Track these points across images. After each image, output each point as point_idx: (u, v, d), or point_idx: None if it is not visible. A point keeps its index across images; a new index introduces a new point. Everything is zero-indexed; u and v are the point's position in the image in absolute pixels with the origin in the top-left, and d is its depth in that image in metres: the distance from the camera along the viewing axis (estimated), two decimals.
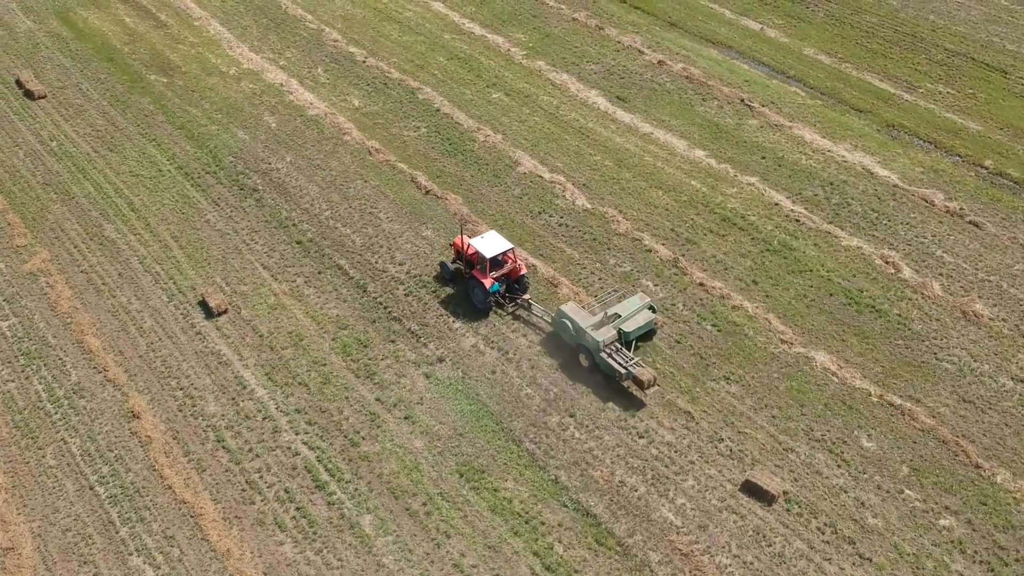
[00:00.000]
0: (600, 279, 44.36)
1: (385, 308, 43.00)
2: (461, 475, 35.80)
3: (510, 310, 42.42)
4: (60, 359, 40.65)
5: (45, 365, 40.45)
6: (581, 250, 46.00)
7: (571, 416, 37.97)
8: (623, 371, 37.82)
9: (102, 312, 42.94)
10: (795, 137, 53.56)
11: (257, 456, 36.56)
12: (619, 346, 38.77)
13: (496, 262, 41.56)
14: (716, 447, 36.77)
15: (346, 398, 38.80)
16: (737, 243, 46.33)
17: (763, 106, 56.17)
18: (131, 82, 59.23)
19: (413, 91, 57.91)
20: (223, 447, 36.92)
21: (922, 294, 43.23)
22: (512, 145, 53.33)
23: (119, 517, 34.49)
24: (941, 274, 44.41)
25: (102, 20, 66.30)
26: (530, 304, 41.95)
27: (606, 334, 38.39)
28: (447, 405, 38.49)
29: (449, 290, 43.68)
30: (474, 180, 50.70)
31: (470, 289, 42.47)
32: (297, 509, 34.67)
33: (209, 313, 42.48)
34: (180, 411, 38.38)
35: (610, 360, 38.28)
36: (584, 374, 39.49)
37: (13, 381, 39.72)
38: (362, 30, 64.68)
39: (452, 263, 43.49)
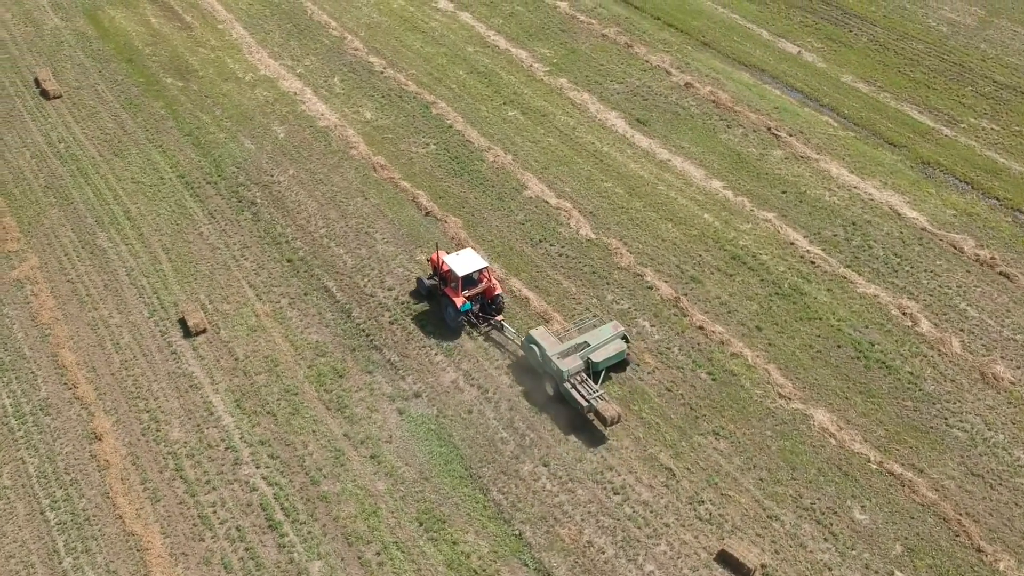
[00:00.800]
0: (595, 315, 42.10)
1: (367, 336, 41.37)
2: (420, 523, 33.97)
3: (483, 330, 40.94)
4: (32, 372, 39.81)
5: (16, 378, 39.64)
6: (579, 284, 43.83)
7: (545, 465, 35.89)
8: (585, 404, 36.04)
9: (81, 325, 42.04)
10: (821, 171, 50.64)
11: (214, 489, 35.18)
12: (585, 377, 37.01)
13: (469, 280, 40.18)
14: (695, 509, 34.37)
15: (313, 431, 37.24)
16: (745, 284, 43.72)
17: (790, 136, 53.31)
18: (146, 85, 58.59)
19: (427, 105, 56.25)
20: (181, 477, 35.61)
21: (939, 351, 40.19)
22: (521, 167, 51.34)
23: (64, 546, 33.38)
24: (962, 329, 41.29)
25: (128, 19, 65.91)
26: (502, 325, 40.54)
27: (572, 363, 36.76)
28: (417, 445, 36.69)
29: (435, 321, 41.86)
30: (477, 202, 48.83)
31: (442, 307, 41.18)
32: (246, 550, 33.17)
33: (187, 332, 41.28)
34: (143, 435, 37.21)
35: (573, 391, 36.51)
36: (565, 421, 37.35)
37: None
38: (385, 39, 63.24)
39: (428, 279, 42.09)
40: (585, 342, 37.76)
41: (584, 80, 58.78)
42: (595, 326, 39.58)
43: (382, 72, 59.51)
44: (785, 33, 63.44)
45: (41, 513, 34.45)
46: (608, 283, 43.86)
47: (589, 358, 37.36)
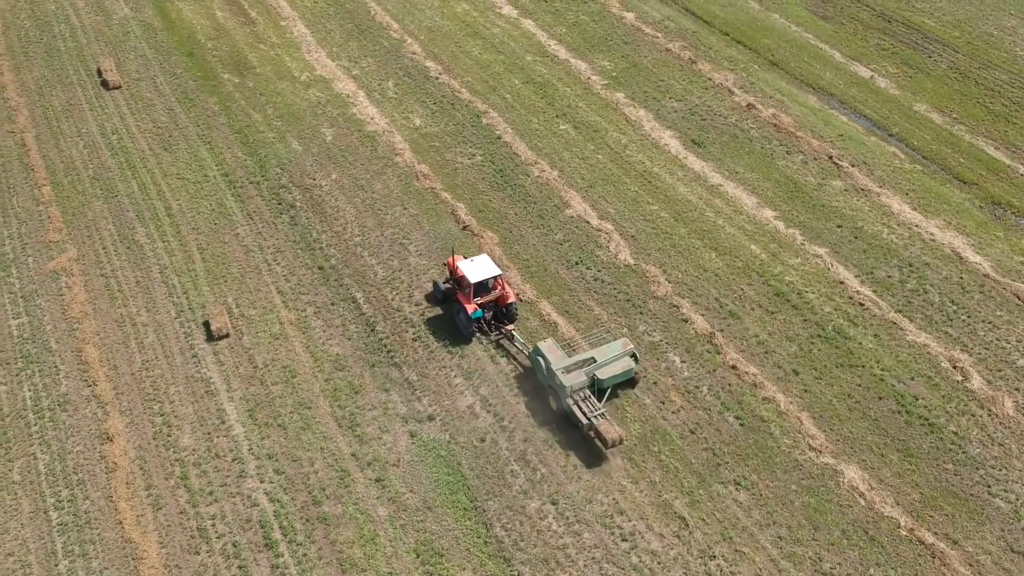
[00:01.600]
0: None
1: (388, 352, 40.53)
2: (418, 555, 32.95)
3: (493, 338, 40.46)
4: (55, 367, 40.01)
5: (40, 371, 39.88)
6: (611, 311, 42.26)
7: (553, 503, 34.52)
8: (585, 421, 35.25)
9: (109, 321, 42.14)
10: (881, 206, 48.00)
11: (216, 501, 34.72)
12: (589, 394, 36.26)
13: (482, 287, 39.71)
14: (706, 564, 32.60)
15: (321, 448, 36.53)
16: (786, 323, 41.57)
17: (853, 166, 50.71)
18: (204, 79, 58.83)
19: (478, 114, 55.20)
20: (185, 485, 35.26)
21: (989, 411, 37.53)
22: (566, 183, 49.91)
23: (63, 548, 33.29)
24: (1017, 389, 38.53)
25: (195, 12, 66.40)
26: (513, 335, 39.89)
27: (576, 379, 36.06)
28: (424, 471, 35.68)
29: (459, 341, 40.78)
30: (517, 219, 47.59)
31: (455, 313, 40.70)
32: (240, 567, 32.61)
33: (210, 336, 41.00)
34: (154, 439, 37.01)
35: (575, 407, 35.72)
36: (580, 457, 35.92)
37: (5, 385, 39.28)
38: (444, 44, 62.37)
39: (444, 283, 41.76)
40: (592, 358, 36.86)
41: (642, 96, 56.99)
42: (606, 342, 38.55)
43: (437, 78, 58.64)
44: (859, 56, 60.56)
45: (45, 512, 34.45)
46: (642, 312, 42.19)
47: (595, 375, 36.42)
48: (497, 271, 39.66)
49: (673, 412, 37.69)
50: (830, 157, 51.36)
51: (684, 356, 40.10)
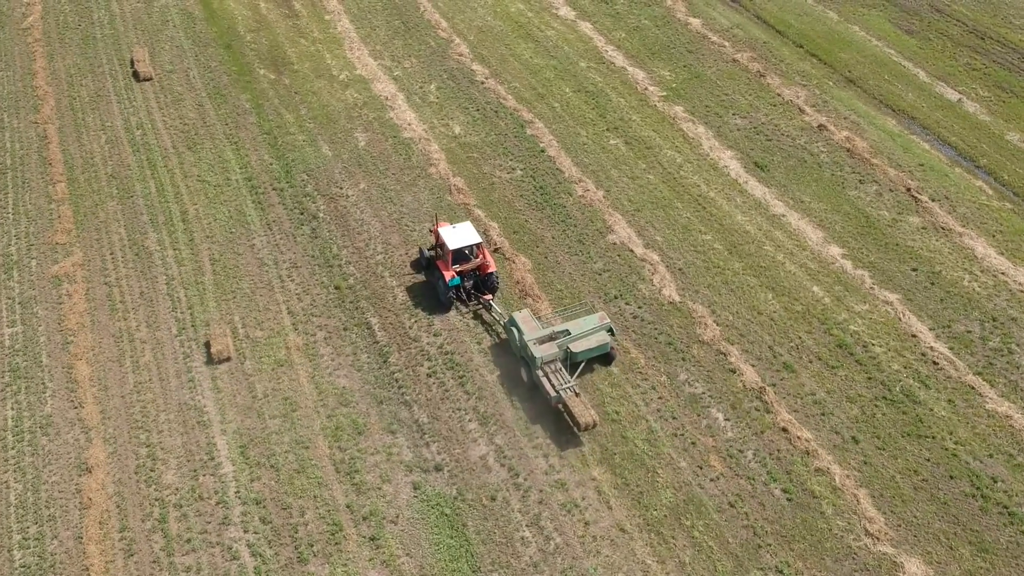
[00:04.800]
0: (660, 397, 36.21)
1: (399, 388, 36.80)
2: None
3: (471, 307, 39.85)
4: (43, 384, 37.15)
5: (26, 388, 37.06)
6: (649, 355, 37.91)
7: None
8: (553, 394, 34.20)
9: (106, 335, 39.17)
10: (963, 248, 42.74)
11: (193, 550, 31.36)
12: (560, 367, 35.14)
13: (461, 254, 39.10)
14: None
15: (315, 496, 32.93)
16: (847, 381, 36.77)
17: (933, 200, 45.45)
18: (238, 74, 55.80)
19: (523, 124, 51.14)
20: (162, 530, 31.97)
21: None
22: (611, 205, 45.60)
23: None
24: None
25: (237, 2, 63.58)
26: (491, 306, 39.22)
27: (547, 351, 35.03)
28: (424, 532, 31.85)
29: (478, 379, 36.90)
30: (554, 243, 43.45)
31: (434, 280, 40.10)
32: None
33: (209, 359, 37.73)
34: (136, 473, 33.82)
35: (544, 380, 34.69)
36: (602, 528, 31.73)
37: None
38: (493, 46, 58.40)
39: (429, 250, 41.07)
40: (566, 330, 35.82)
41: (702, 110, 52.30)
42: (583, 315, 37.53)
43: (483, 83, 54.71)
44: (946, 75, 54.96)
45: (9, 551, 31.45)
46: (684, 359, 37.77)
47: (568, 347, 35.28)
48: (478, 239, 38.95)
49: (712, 480, 33.25)
50: (908, 189, 46.15)
51: (729, 413, 35.58)
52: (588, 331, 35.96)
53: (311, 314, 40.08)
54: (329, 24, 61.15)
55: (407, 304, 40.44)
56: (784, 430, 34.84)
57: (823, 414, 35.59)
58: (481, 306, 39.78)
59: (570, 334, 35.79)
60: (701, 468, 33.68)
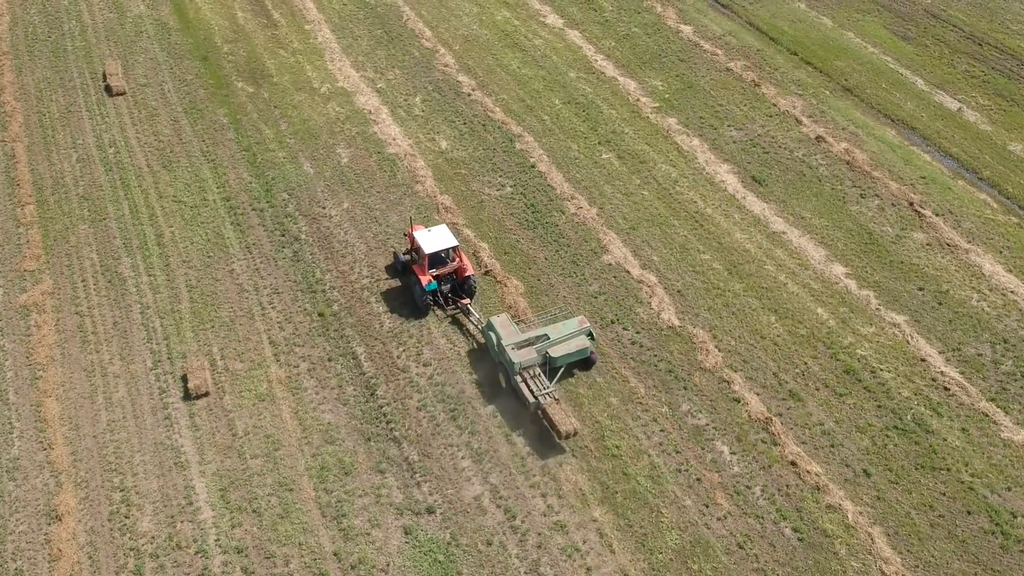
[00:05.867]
0: (662, 430, 34.53)
1: (388, 422, 34.96)
2: None
3: (449, 312, 38.91)
4: (10, 423, 35.08)
5: None
6: (649, 384, 36.23)
7: None
8: (532, 400, 33.36)
9: (77, 370, 37.12)
10: (970, 265, 41.29)
11: None
12: (539, 372, 34.37)
13: (437, 258, 38.11)
14: None
15: (300, 544, 31.04)
16: (856, 409, 35.21)
17: (937, 215, 44.01)
18: (215, 87, 53.74)
19: (512, 138, 49.35)
20: None
21: None
22: (606, 224, 43.90)
23: None
24: None
25: (214, 11, 61.42)
26: (469, 310, 38.32)
27: (525, 356, 34.27)
28: None
29: (471, 412, 35.12)
30: (547, 264, 41.70)
31: (411, 285, 39.16)
32: None
33: (187, 394, 35.74)
34: (110, 520, 31.82)
35: (523, 385, 33.90)
36: (607, 574, 30.01)
37: None
38: (479, 56, 56.58)
39: (404, 254, 40.12)
40: (545, 335, 34.92)
41: (696, 122, 50.69)
42: (562, 319, 36.79)
43: (469, 95, 52.88)
44: (945, 83, 53.57)
45: None
46: (686, 387, 36.11)
47: (547, 352, 34.43)
48: (454, 242, 37.94)
49: (719, 519, 31.60)
50: (911, 204, 44.70)
51: (734, 446, 33.94)
52: (567, 335, 35.01)
53: (294, 344, 38.17)
54: (309, 34, 59.18)
55: (394, 331, 38.61)
56: (793, 464, 33.24)
57: (832, 446, 34.01)
58: (459, 311, 38.83)
59: (549, 339, 34.86)
60: (707, 506, 32.02)
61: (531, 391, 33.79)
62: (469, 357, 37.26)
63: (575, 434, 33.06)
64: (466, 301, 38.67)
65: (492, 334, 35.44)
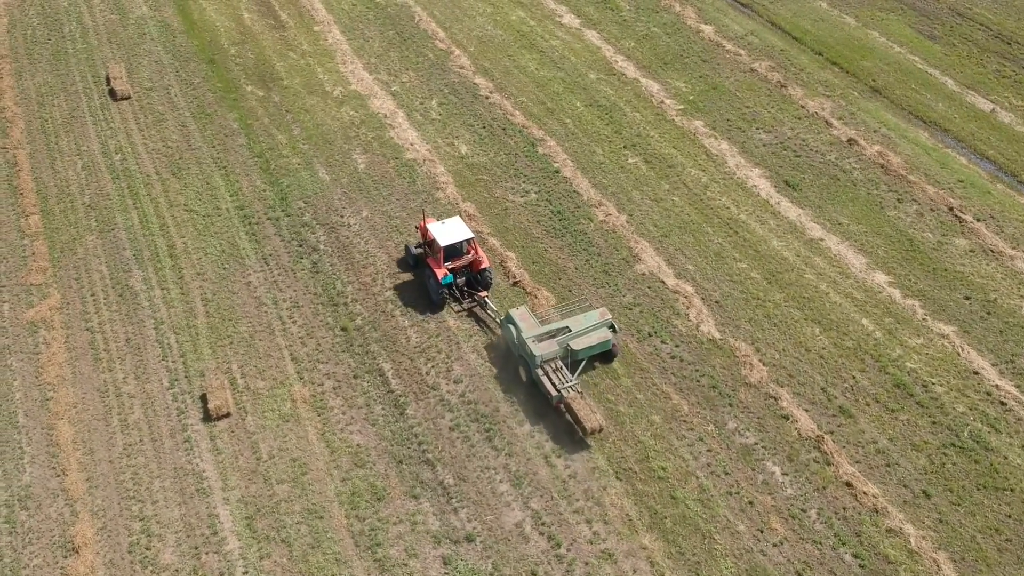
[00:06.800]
0: (709, 450, 32.87)
1: (420, 444, 33.19)
2: None
3: (465, 305, 38.15)
4: (20, 448, 33.20)
5: (1, 453, 33.06)
6: (692, 401, 34.57)
7: None
8: (555, 394, 32.69)
9: (90, 390, 35.25)
10: (1017, 273, 39.80)
11: None
12: (561, 365, 33.68)
13: (453, 250, 37.58)
14: None
15: None
16: (911, 426, 33.62)
17: (978, 220, 42.48)
18: (224, 91, 51.88)
19: (534, 142, 47.65)
20: None
21: None
22: (636, 231, 42.24)
23: None
24: None
25: (219, 12, 59.55)
26: (486, 302, 37.63)
27: (547, 349, 33.62)
28: None
29: (507, 432, 33.39)
30: (578, 274, 40.02)
31: (425, 279, 38.17)
32: None
33: (207, 415, 33.91)
34: (129, 553, 29.97)
35: (545, 379, 33.23)
36: None
37: None
38: (495, 57, 54.86)
39: (416, 247, 39.41)
40: (567, 327, 34.33)
41: (724, 124, 49.07)
42: (583, 311, 36.04)
43: (487, 97, 51.16)
44: (976, 84, 52.10)
45: None
46: (731, 404, 34.46)
47: (568, 345, 33.78)
48: (469, 234, 37.29)
49: (774, 545, 29.95)
50: (950, 208, 43.17)
51: (786, 466, 32.30)
52: (589, 328, 34.35)
53: (317, 360, 36.39)
54: (319, 35, 57.36)
55: (422, 346, 36.86)
56: (848, 484, 31.61)
57: (888, 465, 32.40)
58: (476, 303, 38.00)
59: (570, 331, 34.17)
60: (762, 532, 30.36)
61: (553, 384, 33.09)
62: (501, 375, 35.52)
63: (600, 430, 32.58)
64: (483, 293, 37.88)
65: (512, 327, 34.71)
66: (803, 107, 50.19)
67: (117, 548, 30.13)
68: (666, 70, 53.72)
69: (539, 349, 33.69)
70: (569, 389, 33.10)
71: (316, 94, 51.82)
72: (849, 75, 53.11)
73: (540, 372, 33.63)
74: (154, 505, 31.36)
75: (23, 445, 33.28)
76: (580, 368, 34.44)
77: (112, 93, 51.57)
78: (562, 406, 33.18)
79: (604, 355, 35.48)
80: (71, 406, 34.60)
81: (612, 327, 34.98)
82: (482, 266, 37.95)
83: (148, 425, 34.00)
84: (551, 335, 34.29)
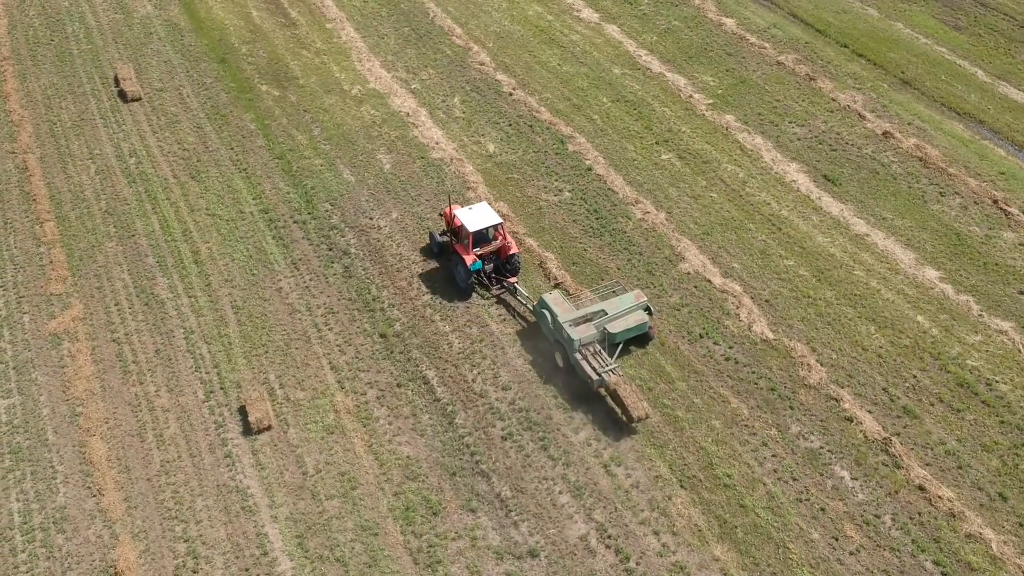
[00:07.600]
0: (774, 455, 31.64)
1: (472, 454, 31.79)
2: None
3: (495, 292, 37.50)
4: (52, 467, 31.54)
5: (32, 473, 31.42)
6: (752, 404, 33.33)
7: None
8: (595, 378, 32.07)
9: (121, 404, 33.62)
10: None
11: None
12: (599, 348, 33.18)
13: (481, 236, 37.04)
14: None
15: None
16: (978, 426, 32.51)
17: None
18: (238, 92, 50.25)
19: (563, 140, 46.32)
20: None
21: None
22: (677, 229, 40.99)
23: None
24: None
25: (227, 11, 57.88)
26: (515, 288, 36.99)
27: (584, 333, 33.10)
28: None
29: (562, 441, 32.02)
30: (621, 275, 38.73)
31: (453, 266, 37.61)
32: None
33: (247, 428, 32.36)
34: None
35: (584, 363, 32.66)
36: None
37: None
38: (515, 53, 53.49)
39: (441, 235, 38.99)
40: (603, 311, 33.90)
41: (756, 119, 47.91)
42: (615, 294, 35.51)
43: (510, 94, 49.79)
44: (1007, 74, 51.20)
45: None
46: (792, 407, 33.25)
47: (605, 328, 33.43)
48: (498, 219, 36.74)
49: (851, 553, 28.74)
50: (995, 201, 42.17)
51: (854, 470, 31.11)
52: (625, 310, 33.97)
53: (358, 369, 34.90)
54: (332, 33, 55.80)
55: (465, 352, 35.46)
56: (921, 488, 30.47)
57: (959, 467, 31.28)
58: (505, 290, 37.34)
59: (606, 314, 33.72)
60: (837, 540, 29.16)
61: (593, 368, 32.52)
62: (552, 379, 34.16)
63: (647, 418, 31.90)
64: (512, 280, 37.23)
65: (546, 312, 34.17)
66: (834, 100, 49.11)
67: (163, 572, 28.55)
68: (691, 64, 52.51)
69: (577, 333, 33.09)
70: (610, 372, 32.31)
71: (334, 93, 50.28)
72: (877, 67, 52.08)
73: (579, 356, 32.98)
74: (198, 525, 29.79)
75: (55, 464, 31.63)
76: (617, 351, 33.95)
77: (122, 95, 49.87)
78: (603, 391, 32.53)
79: (640, 338, 35.00)
80: (102, 422, 32.96)
81: (648, 309, 34.46)
82: (510, 252, 37.25)
83: (185, 440, 32.41)
84: (587, 319, 33.75)
